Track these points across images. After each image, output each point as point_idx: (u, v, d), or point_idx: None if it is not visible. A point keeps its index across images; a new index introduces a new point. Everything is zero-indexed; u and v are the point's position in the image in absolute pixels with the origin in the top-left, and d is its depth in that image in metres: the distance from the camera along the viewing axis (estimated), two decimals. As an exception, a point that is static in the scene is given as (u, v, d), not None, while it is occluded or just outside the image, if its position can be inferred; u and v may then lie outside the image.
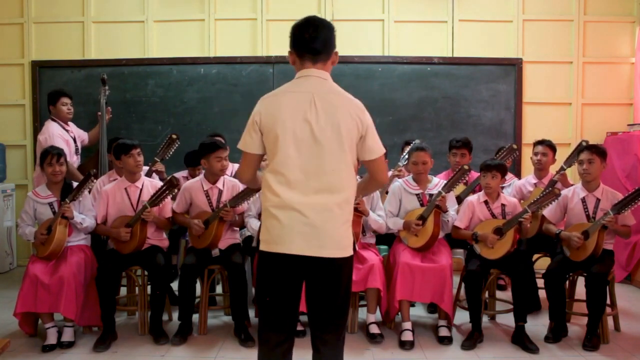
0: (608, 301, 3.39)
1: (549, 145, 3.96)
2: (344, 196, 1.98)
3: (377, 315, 3.52)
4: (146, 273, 3.56)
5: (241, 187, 3.54)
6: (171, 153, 4.05)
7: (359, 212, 3.39)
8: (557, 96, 5.40)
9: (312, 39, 1.99)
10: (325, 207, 1.94)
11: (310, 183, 1.94)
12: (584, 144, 3.70)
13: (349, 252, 2.02)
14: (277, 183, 1.95)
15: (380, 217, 3.58)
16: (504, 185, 3.98)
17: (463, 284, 3.50)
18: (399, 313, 3.41)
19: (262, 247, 2.00)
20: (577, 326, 3.59)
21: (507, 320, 3.60)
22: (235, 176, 3.92)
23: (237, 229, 3.70)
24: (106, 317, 3.32)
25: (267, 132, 1.98)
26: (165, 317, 3.56)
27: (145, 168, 3.96)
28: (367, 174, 2.13)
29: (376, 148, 2.03)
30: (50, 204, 3.47)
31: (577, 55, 5.38)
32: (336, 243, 1.97)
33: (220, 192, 3.55)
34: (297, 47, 2.03)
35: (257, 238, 2.06)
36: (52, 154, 3.44)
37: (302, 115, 1.94)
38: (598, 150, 3.43)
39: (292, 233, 1.93)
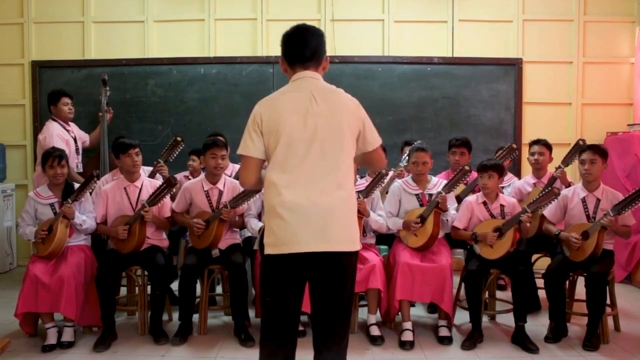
0: (608, 301, 3.38)
1: (544, 145, 3.95)
2: (348, 191, 2.00)
3: (378, 316, 3.51)
4: (146, 273, 3.56)
5: (241, 188, 3.55)
6: (175, 155, 4.04)
7: (360, 213, 3.39)
8: (557, 96, 5.40)
9: (302, 47, 2.03)
10: (331, 202, 1.94)
11: (315, 179, 1.94)
12: (580, 143, 3.70)
13: (357, 246, 2.02)
14: (281, 181, 1.94)
15: (381, 217, 3.59)
16: (503, 185, 3.98)
17: (463, 284, 3.50)
18: (399, 313, 3.41)
19: (268, 251, 1.97)
20: (577, 326, 3.59)
21: (507, 320, 3.60)
22: (236, 178, 3.92)
23: (238, 230, 3.70)
24: (106, 317, 3.32)
25: (268, 132, 1.97)
26: (165, 317, 3.56)
27: (149, 168, 3.97)
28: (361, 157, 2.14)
29: (375, 139, 2.10)
30: (52, 205, 3.46)
31: (577, 55, 5.38)
32: (344, 237, 1.97)
33: (221, 192, 3.55)
34: (287, 56, 2.07)
35: (260, 241, 2.03)
36: (53, 157, 3.42)
37: (305, 112, 1.96)
38: (600, 151, 3.42)
39: (297, 231, 1.92)
